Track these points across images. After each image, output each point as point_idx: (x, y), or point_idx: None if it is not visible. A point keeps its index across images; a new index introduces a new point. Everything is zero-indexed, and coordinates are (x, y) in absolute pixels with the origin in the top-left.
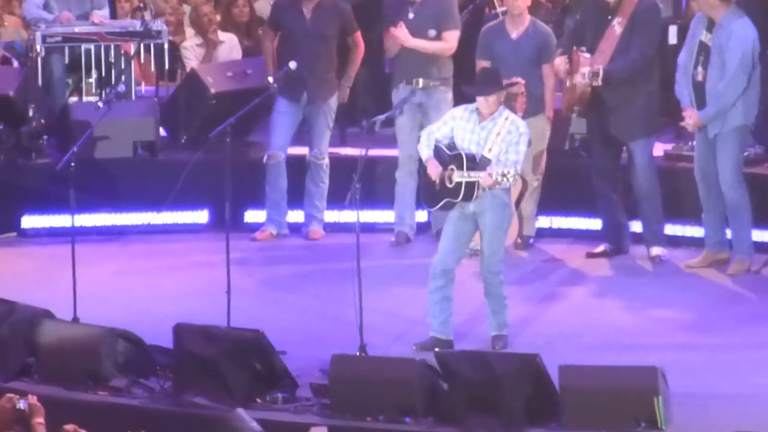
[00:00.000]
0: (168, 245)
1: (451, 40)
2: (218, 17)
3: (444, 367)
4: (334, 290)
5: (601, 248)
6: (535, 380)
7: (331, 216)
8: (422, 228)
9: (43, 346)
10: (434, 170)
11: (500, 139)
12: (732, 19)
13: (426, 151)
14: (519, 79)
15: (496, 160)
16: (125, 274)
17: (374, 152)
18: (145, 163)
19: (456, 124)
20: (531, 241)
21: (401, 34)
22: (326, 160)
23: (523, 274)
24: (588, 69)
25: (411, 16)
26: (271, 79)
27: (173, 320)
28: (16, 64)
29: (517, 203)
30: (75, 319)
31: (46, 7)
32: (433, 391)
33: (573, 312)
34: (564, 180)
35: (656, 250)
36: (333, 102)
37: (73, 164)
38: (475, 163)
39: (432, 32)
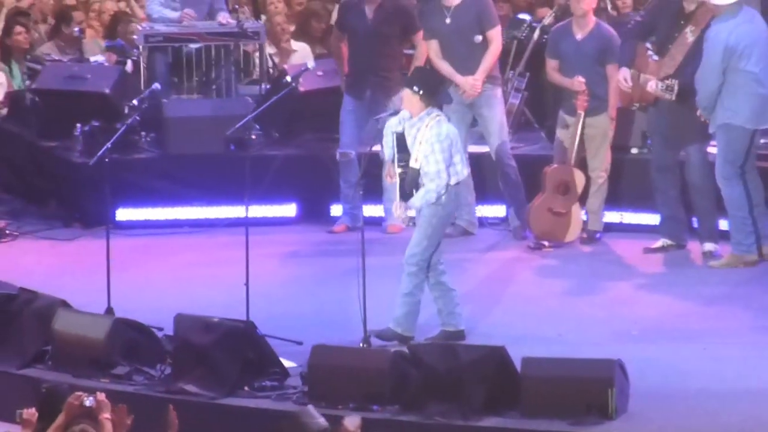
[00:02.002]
0: (253, 237)
1: (496, 39)
2: (292, 27)
3: (414, 357)
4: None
5: (659, 243)
6: (500, 371)
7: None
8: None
9: (56, 334)
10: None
11: (422, 148)
12: (716, 21)
13: (388, 152)
14: (580, 78)
15: (423, 173)
16: (199, 265)
17: None
18: (237, 158)
19: (397, 133)
20: (598, 235)
21: (471, 91)
22: None
23: (576, 268)
24: (662, 81)
25: (447, 21)
26: (289, 78)
27: (225, 309)
28: (129, 64)
29: (582, 199)
30: (109, 310)
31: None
32: (404, 381)
33: (601, 305)
34: (634, 175)
35: (709, 246)
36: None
37: (107, 159)
38: (405, 174)
39: (478, 37)
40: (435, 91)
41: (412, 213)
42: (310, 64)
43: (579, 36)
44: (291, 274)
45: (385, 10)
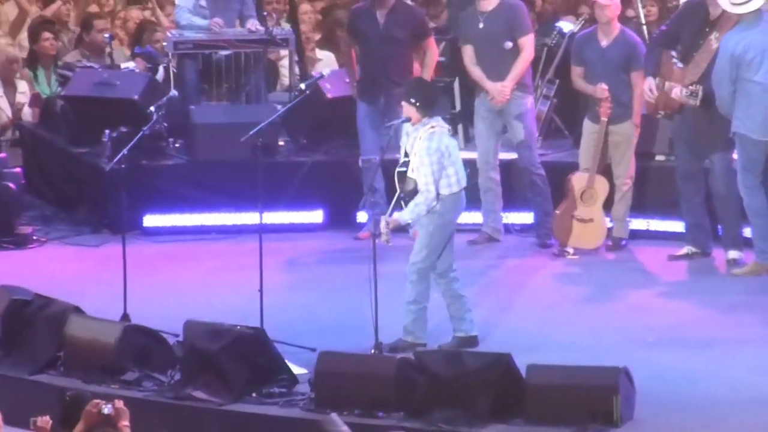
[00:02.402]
0: (279, 243)
1: (527, 46)
2: (317, 36)
3: (420, 364)
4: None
5: (684, 250)
6: (505, 378)
7: None
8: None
9: (68, 340)
10: None
11: (414, 160)
12: (733, 29)
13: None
14: (603, 86)
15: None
16: (222, 271)
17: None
18: (264, 164)
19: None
20: (623, 243)
21: (499, 97)
22: None
23: (598, 275)
24: (686, 87)
25: (481, 26)
26: (303, 86)
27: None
28: (161, 71)
29: (607, 206)
30: (124, 316)
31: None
32: (410, 388)
33: (618, 312)
34: (660, 182)
35: (733, 254)
36: None
37: (123, 165)
38: (401, 183)
39: (508, 44)
40: (432, 102)
41: (387, 226)
42: (325, 72)
43: (604, 43)
44: (312, 281)
45: (396, 15)
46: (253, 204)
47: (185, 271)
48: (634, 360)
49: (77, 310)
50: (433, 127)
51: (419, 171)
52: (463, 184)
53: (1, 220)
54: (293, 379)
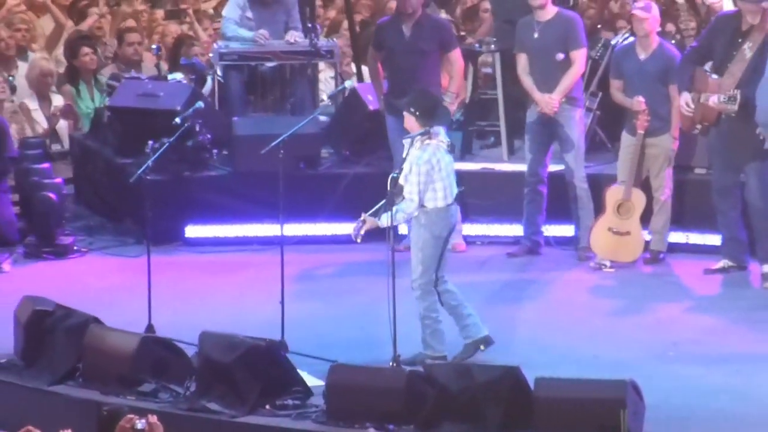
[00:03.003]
0: (319, 255)
1: (579, 60)
2: (352, 51)
3: (430, 377)
4: None
5: (720, 264)
6: (513, 391)
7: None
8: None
9: (87, 351)
10: None
11: (407, 166)
12: None
13: None
14: (640, 99)
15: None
16: (258, 282)
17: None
18: (307, 176)
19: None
20: (661, 256)
21: (546, 108)
22: None
23: (631, 289)
24: (723, 93)
25: (536, 35)
26: (325, 98)
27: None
28: (209, 83)
29: (646, 219)
30: (149, 327)
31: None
32: (420, 401)
33: (646, 326)
34: (699, 195)
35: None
36: None
37: (148, 176)
38: (393, 187)
39: (560, 56)
40: (431, 112)
41: (366, 228)
42: (347, 84)
43: (642, 56)
44: (343, 292)
45: (422, 27)
46: (294, 215)
47: (222, 282)
48: (653, 374)
49: (96, 320)
50: (429, 138)
51: (407, 179)
52: (450, 200)
53: (42, 231)
54: (307, 392)
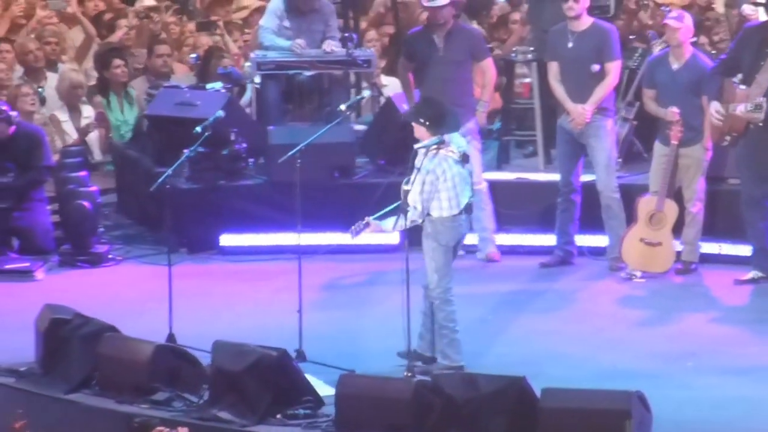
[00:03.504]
0: (353, 265)
1: (613, 72)
2: (383, 63)
3: (436, 387)
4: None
5: (750, 275)
6: (519, 402)
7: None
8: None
9: (102, 359)
10: None
11: (414, 175)
12: None
13: None
14: (674, 109)
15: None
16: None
17: (539, 177)
18: (341, 185)
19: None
20: (693, 266)
21: (578, 119)
22: (484, 184)
23: (660, 299)
24: (749, 102)
25: (570, 45)
26: (343, 107)
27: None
28: (249, 93)
29: (677, 230)
30: (170, 336)
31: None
32: (426, 411)
33: (668, 336)
34: (732, 206)
35: None
36: (472, 126)
37: (168, 186)
38: (405, 197)
39: (595, 67)
40: (440, 121)
41: (368, 231)
42: (365, 93)
43: (675, 66)
44: (373, 301)
45: (453, 37)
46: (329, 224)
47: (252, 290)
48: (668, 384)
49: (112, 329)
50: (437, 148)
51: (413, 187)
52: (455, 210)
53: (76, 239)
54: (318, 401)
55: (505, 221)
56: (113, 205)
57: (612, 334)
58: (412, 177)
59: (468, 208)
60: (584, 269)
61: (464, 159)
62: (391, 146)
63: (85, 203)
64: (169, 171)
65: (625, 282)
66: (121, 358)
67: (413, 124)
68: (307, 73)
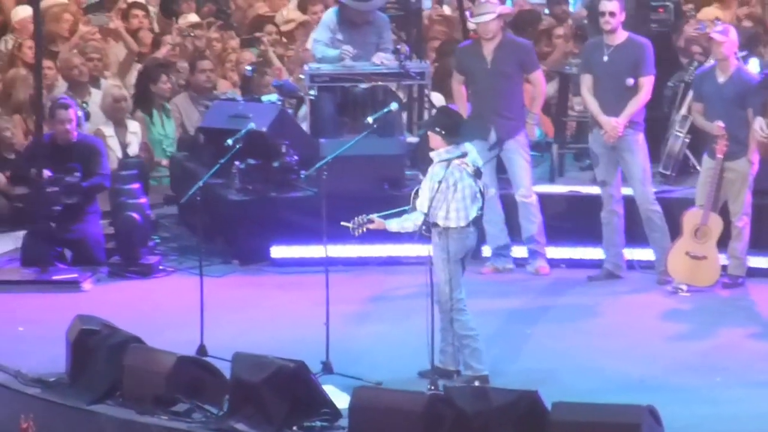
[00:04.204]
0: (400, 277)
1: (646, 86)
2: None
3: (449, 400)
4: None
5: None
6: (530, 415)
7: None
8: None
9: (126, 370)
10: None
11: (424, 181)
12: None
13: None
14: (720, 123)
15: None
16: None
17: (590, 190)
18: (390, 197)
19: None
20: (740, 280)
21: (611, 132)
22: (534, 197)
23: (701, 313)
24: None
25: (605, 59)
26: (370, 120)
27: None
28: (306, 106)
29: (724, 244)
30: (201, 347)
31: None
32: (439, 423)
33: (702, 351)
34: None
35: None
36: (522, 138)
37: (198, 198)
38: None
39: (629, 81)
40: (456, 130)
41: (371, 226)
42: (393, 106)
43: (721, 79)
44: (411, 314)
45: (503, 49)
46: (379, 237)
47: (297, 302)
48: (692, 398)
49: (137, 340)
50: (447, 158)
51: (421, 193)
52: (462, 223)
53: (126, 250)
54: (336, 413)
55: (555, 234)
56: (174, 217)
57: (647, 349)
58: (423, 183)
59: (476, 221)
60: (632, 283)
61: (477, 174)
62: None
63: (135, 215)
64: (200, 183)
65: (670, 296)
66: (143, 369)
67: (429, 133)
68: (363, 86)
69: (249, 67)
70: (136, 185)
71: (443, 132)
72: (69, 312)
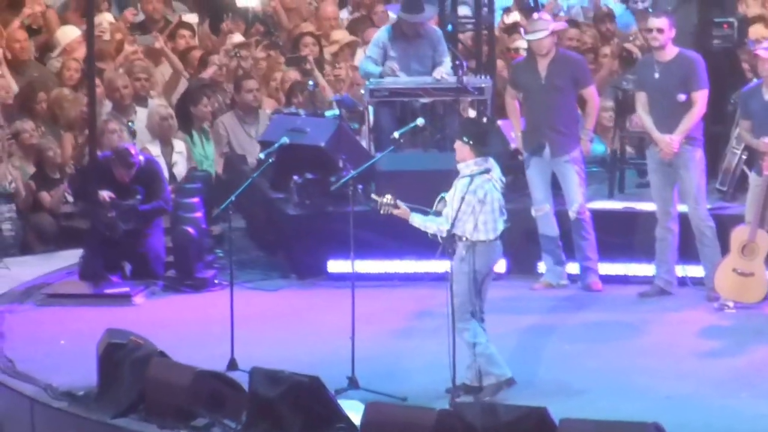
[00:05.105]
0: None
1: (700, 101)
2: None
3: (459, 415)
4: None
5: None
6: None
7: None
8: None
9: (149, 384)
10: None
11: (451, 192)
12: None
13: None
14: (766, 140)
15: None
16: (382, 316)
17: (645, 206)
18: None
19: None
20: None
21: (666, 149)
22: (587, 213)
23: (742, 331)
24: None
25: (656, 75)
26: (396, 134)
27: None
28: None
29: None
30: (232, 361)
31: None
32: None
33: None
34: None
35: None
36: (577, 154)
37: (231, 211)
38: (438, 203)
39: (681, 96)
40: (484, 141)
41: (394, 211)
42: (419, 121)
43: (767, 96)
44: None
45: (557, 64)
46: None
47: (343, 317)
48: (716, 414)
49: (161, 354)
50: (477, 169)
51: (449, 204)
52: (491, 236)
53: (181, 264)
54: (351, 428)
55: (608, 251)
56: (242, 230)
57: (680, 365)
58: (450, 194)
59: (502, 235)
60: (681, 299)
61: (503, 188)
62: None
63: (189, 229)
64: (232, 197)
65: (715, 312)
66: (165, 383)
67: (456, 143)
68: (422, 100)
69: (310, 82)
70: (195, 199)
71: (471, 142)
72: (115, 326)
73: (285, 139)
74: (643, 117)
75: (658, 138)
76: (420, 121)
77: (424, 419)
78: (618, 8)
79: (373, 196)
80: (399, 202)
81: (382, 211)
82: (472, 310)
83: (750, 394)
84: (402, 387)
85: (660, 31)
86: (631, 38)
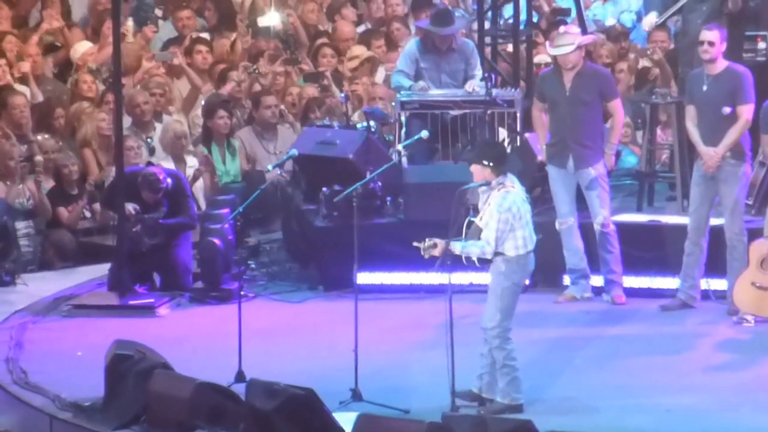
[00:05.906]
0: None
1: (745, 114)
2: None
3: (448, 428)
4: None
5: None
6: None
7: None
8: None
9: (151, 396)
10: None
11: (488, 210)
12: None
13: None
14: None
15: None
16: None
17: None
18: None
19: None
20: None
21: (709, 162)
22: (612, 227)
23: (756, 347)
24: None
25: (704, 88)
26: (400, 147)
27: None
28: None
29: None
30: (240, 373)
31: (416, 77)
32: None
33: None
34: None
35: None
36: (601, 167)
37: (239, 223)
38: (468, 229)
39: (726, 109)
40: (503, 161)
41: (435, 252)
42: (423, 134)
43: None
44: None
45: (582, 77)
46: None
47: (369, 329)
48: (714, 427)
49: (165, 366)
50: (504, 186)
51: (487, 225)
52: (530, 247)
53: (207, 276)
54: None
55: (633, 264)
56: (278, 242)
57: (688, 377)
58: (485, 215)
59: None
60: (702, 314)
61: (528, 199)
62: (529, 186)
63: (216, 240)
64: (240, 209)
65: (734, 326)
66: (165, 395)
67: (475, 166)
68: (453, 113)
69: (342, 94)
70: (224, 210)
71: (491, 164)
72: (136, 337)
73: (294, 152)
74: (690, 130)
75: (703, 151)
76: (424, 134)
77: (414, 431)
78: (629, 21)
79: (415, 244)
80: (435, 240)
81: (425, 256)
82: (510, 327)
83: (751, 408)
84: (408, 399)
85: (711, 44)
86: (648, 52)
